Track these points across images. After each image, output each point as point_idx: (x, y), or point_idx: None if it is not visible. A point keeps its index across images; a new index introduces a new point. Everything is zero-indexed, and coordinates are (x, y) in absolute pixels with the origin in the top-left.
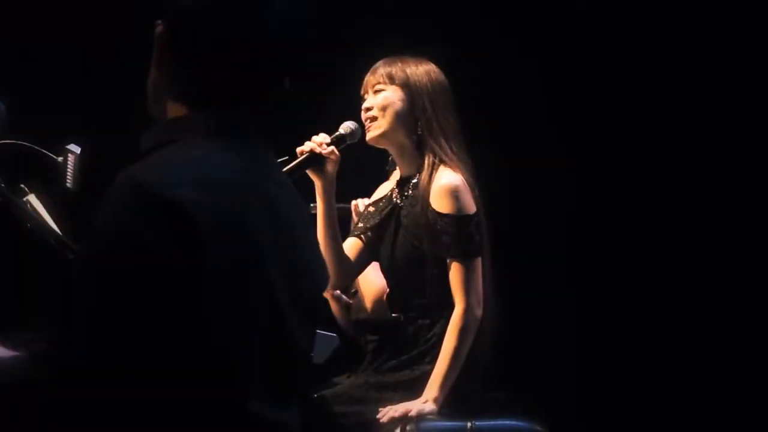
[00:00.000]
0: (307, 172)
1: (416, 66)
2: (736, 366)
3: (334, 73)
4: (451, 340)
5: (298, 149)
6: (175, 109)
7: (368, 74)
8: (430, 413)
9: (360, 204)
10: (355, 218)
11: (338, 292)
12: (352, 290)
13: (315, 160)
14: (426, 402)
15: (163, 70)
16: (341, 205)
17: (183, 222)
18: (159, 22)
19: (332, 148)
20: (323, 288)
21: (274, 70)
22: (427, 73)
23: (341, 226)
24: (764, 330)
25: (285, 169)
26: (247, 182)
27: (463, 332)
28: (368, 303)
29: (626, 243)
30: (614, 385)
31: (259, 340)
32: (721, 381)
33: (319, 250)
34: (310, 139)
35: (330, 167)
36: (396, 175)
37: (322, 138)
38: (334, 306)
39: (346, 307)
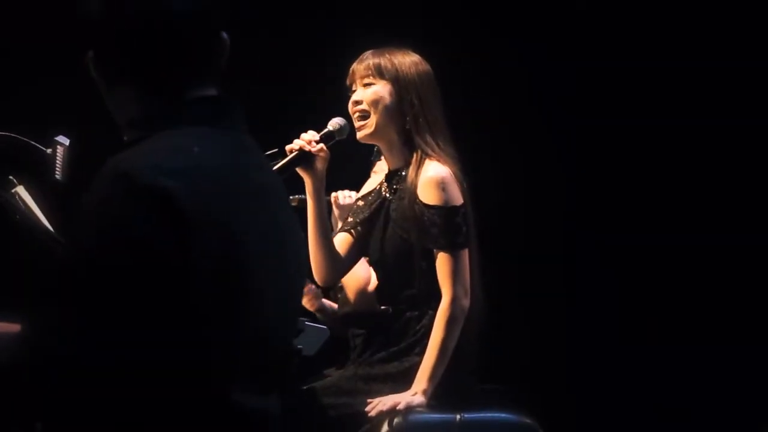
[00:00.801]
0: (297, 169)
1: (404, 59)
2: (736, 366)
3: (323, 71)
4: (438, 331)
5: (287, 147)
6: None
7: (356, 63)
8: (418, 405)
9: (339, 196)
10: (335, 210)
11: (322, 301)
12: (338, 285)
13: (304, 158)
14: (415, 394)
15: (123, 86)
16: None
17: (172, 211)
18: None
19: (322, 145)
20: (305, 277)
21: (208, 32)
22: (415, 66)
23: None
24: (764, 330)
25: (275, 168)
26: (234, 170)
27: (450, 323)
28: (354, 296)
29: (626, 243)
30: (614, 385)
31: (242, 329)
32: (721, 381)
33: (302, 240)
34: (298, 137)
35: (320, 164)
36: (384, 169)
37: (311, 135)
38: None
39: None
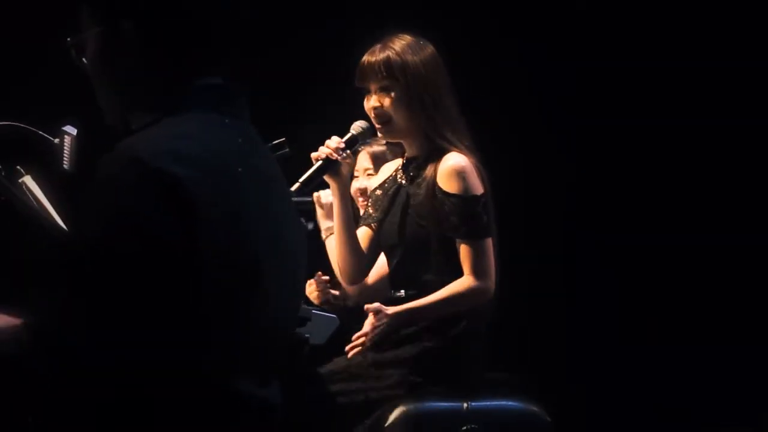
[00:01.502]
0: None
1: (407, 49)
2: (736, 366)
3: (321, 71)
4: (445, 292)
5: (313, 155)
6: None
7: (366, 56)
8: (384, 323)
9: (322, 195)
10: (319, 210)
11: (330, 292)
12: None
13: (331, 165)
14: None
15: (139, 66)
16: (302, 199)
17: (180, 200)
18: (102, 27)
19: (348, 152)
20: (306, 267)
21: (231, 31)
22: (420, 57)
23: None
24: (764, 330)
25: (302, 179)
26: (242, 159)
27: (460, 295)
28: (352, 291)
29: (626, 243)
30: (614, 385)
31: (246, 319)
32: (721, 381)
33: (302, 231)
34: (323, 144)
35: (345, 170)
36: (391, 159)
37: (336, 142)
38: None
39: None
